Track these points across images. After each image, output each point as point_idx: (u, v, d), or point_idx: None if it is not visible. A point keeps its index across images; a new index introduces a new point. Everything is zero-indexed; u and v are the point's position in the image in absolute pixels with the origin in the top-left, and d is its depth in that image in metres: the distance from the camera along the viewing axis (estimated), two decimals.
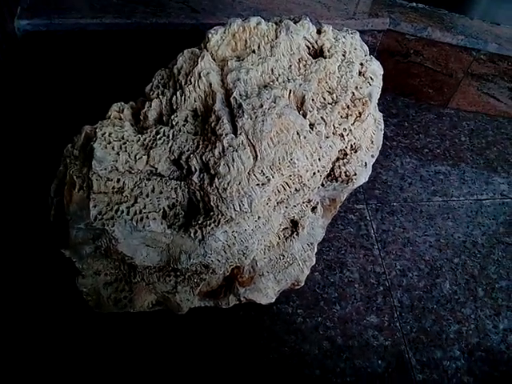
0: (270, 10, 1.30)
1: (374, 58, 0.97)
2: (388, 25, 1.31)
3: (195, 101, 0.78)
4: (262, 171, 0.74)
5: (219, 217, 0.76)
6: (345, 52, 0.90)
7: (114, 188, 0.76)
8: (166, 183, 0.78)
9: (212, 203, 0.75)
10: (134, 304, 0.90)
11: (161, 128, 0.78)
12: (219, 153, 0.73)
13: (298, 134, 0.76)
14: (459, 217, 1.24)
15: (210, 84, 0.76)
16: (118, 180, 0.76)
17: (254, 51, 0.81)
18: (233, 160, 0.72)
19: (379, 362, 0.98)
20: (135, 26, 1.22)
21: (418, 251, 1.16)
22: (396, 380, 0.96)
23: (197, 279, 0.90)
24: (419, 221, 1.22)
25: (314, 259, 0.95)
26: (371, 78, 0.92)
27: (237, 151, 0.72)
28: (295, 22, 0.86)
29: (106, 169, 0.74)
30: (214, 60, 0.81)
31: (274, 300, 0.95)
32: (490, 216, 1.25)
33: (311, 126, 0.79)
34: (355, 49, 0.94)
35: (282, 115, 0.73)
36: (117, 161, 0.75)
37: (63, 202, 0.78)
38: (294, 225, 0.88)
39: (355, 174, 0.90)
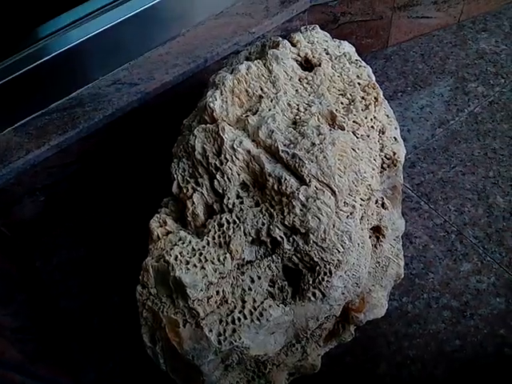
0: (199, 45, 1.25)
1: (339, 40, 0.96)
2: (309, 2, 1.30)
3: (239, 174, 0.73)
4: (345, 202, 0.71)
5: (328, 266, 0.72)
6: (325, 49, 0.88)
7: (216, 302, 0.69)
8: (259, 266, 0.72)
9: (316, 259, 0.71)
10: None
11: (221, 218, 0.72)
12: (301, 210, 0.68)
13: (353, 149, 0.73)
14: (466, 135, 1.28)
15: (248, 151, 0.71)
16: (218, 292, 0.69)
17: (260, 96, 0.76)
18: (318, 209, 0.68)
19: (498, 299, 1.00)
20: (85, 132, 1.12)
21: (457, 185, 1.19)
22: None
23: (319, 332, 0.85)
24: (439, 158, 1.25)
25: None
26: (356, 60, 0.91)
27: (318, 198, 0.67)
28: (274, 47, 0.82)
29: (202, 290, 0.67)
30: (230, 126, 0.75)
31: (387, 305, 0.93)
32: (488, 120, 1.31)
33: (354, 134, 0.76)
34: (326, 41, 0.92)
35: (334, 142, 0.70)
36: (207, 275, 0.68)
37: (169, 345, 0.70)
38: (377, 230, 0.86)
39: (395, 153, 0.89)
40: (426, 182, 1.21)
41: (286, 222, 0.69)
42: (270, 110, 0.74)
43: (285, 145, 0.70)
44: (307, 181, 0.68)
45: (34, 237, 1.22)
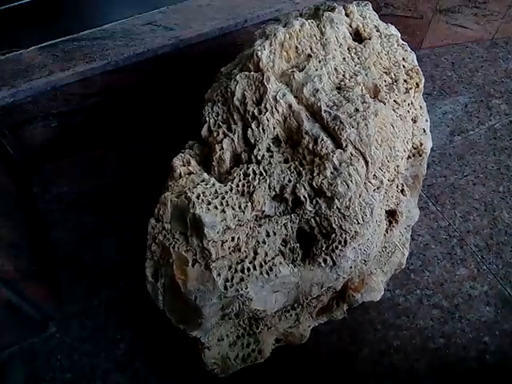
0: (241, 4, 1.22)
1: (388, 23, 0.95)
2: None
3: (274, 127, 0.72)
4: (374, 175, 0.70)
5: (344, 236, 0.72)
6: (376, 27, 0.87)
7: (229, 248, 0.69)
8: (276, 223, 0.72)
9: (334, 225, 0.70)
10: (264, 353, 0.84)
11: (248, 168, 0.71)
12: (331, 173, 0.68)
13: (392, 126, 0.73)
14: (483, 148, 1.29)
15: (290, 105, 0.70)
16: (233, 238, 0.68)
17: (309, 55, 0.75)
18: (349, 175, 0.67)
19: (487, 308, 1.02)
20: (112, 66, 1.09)
21: (467, 193, 1.20)
22: (509, 317, 1.00)
23: (315, 303, 0.86)
24: (453, 164, 1.26)
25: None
26: (403, 44, 0.90)
27: (351, 165, 0.67)
28: (331, 10, 0.81)
29: (218, 232, 0.66)
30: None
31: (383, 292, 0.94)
32: (507, 137, 1.32)
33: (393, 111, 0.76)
34: (376, 19, 0.91)
35: (377, 113, 0.69)
36: (226, 219, 0.67)
37: (174, 283, 0.69)
38: (392, 214, 0.86)
39: (421, 144, 0.89)
40: (437, 184, 1.21)
41: (314, 183, 0.68)
42: (316, 70, 0.73)
43: (328, 106, 0.69)
44: (344, 145, 0.68)
45: (38, 162, 1.19)
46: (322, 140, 0.68)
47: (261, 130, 0.71)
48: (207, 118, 0.76)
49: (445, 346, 0.97)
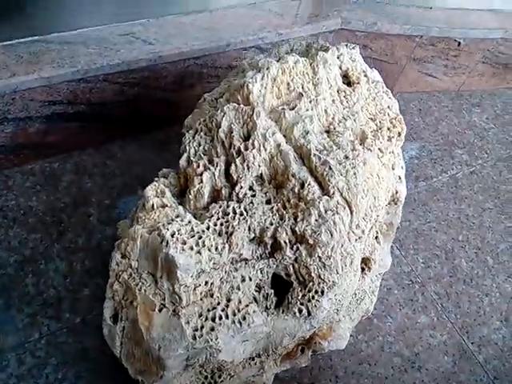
0: (226, 27, 1.19)
1: (372, 68, 0.96)
2: (340, 24, 1.30)
3: (259, 165, 0.68)
4: (357, 225, 0.68)
5: (321, 285, 0.68)
6: (363, 71, 0.87)
7: (201, 293, 0.63)
8: (253, 267, 0.67)
9: (313, 274, 0.67)
10: None
11: (228, 206, 0.67)
12: (316, 220, 0.64)
13: (377, 175, 0.71)
14: (445, 195, 1.33)
15: (279, 144, 0.67)
16: (206, 282, 0.63)
17: (300, 94, 0.72)
18: (334, 224, 0.64)
19: (446, 358, 1.02)
20: (82, 74, 1.01)
21: (429, 239, 1.22)
22: (466, 368, 1.01)
23: (281, 350, 0.81)
24: (417, 209, 1.28)
25: None
26: (387, 91, 0.91)
27: (337, 213, 0.64)
28: (324, 50, 0.79)
29: (192, 276, 0.61)
30: None
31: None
32: (467, 187, 1.37)
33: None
34: (364, 64, 0.91)
35: (366, 162, 0.68)
36: (201, 261, 0.61)
37: (136, 328, 0.63)
38: (365, 262, 0.84)
39: (397, 192, 0.89)
40: (401, 228, 1.22)
41: (297, 229, 0.65)
42: (307, 110, 0.70)
43: (317, 149, 0.67)
44: (331, 192, 0.65)
45: None
46: (309, 185, 0.65)
47: (245, 167, 0.67)
48: (187, 147, 0.71)
49: None
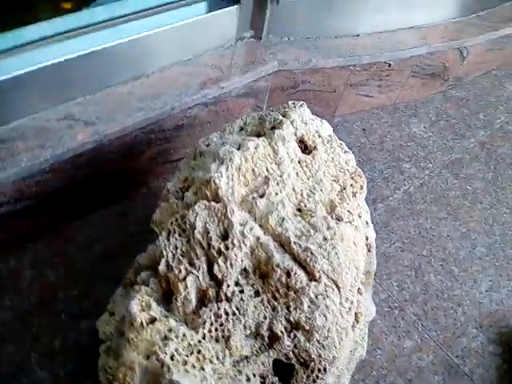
0: (167, 90, 1.17)
1: (320, 119, 0.98)
2: (277, 67, 1.33)
3: (242, 261, 0.68)
4: (346, 298, 0.70)
5: (323, 363, 0.70)
6: (317, 131, 0.89)
7: None
8: (255, 363, 0.67)
9: (313, 355, 0.68)
10: None
11: (218, 308, 0.66)
12: (309, 307, 0.65)
13: (354, 243, 0.73)
14: (402, 213, 1.39)
15: (258, 238, 0.67)
16: None
17: (266, 177, 0.73)
18: (326, 307, 0.66)
19: (436, 377, 1.07)
20: (26, 171, 0.95)
21: (397, 260, 1.27)
22: (457, 383, 1.07)
23: None
24: (381, 233, 1.33)
25: None
26: (340, 144, 0.94)
27: (328, 296, 0.66)
28: (277, 125, 0.80)
29: None
30: None
31: None
32: (421, 200, 1.44)
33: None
34: (313, 120, 0.94)
35: (343, 237, 0.70)
36: (206, 378, 0.60)
37: None
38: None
39: (367, 238, 0.92)
40: None
41: (291, 318, 0.66)
42: (277, 194, 0.71)
43: (296, 236, 0.68)
44: (317, 276, 0.66)
45: None
46: (296, 273, 0.66)
47: (228, 266, 0.67)
48: (164, 252, 0.70)
49: None
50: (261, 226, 0.69)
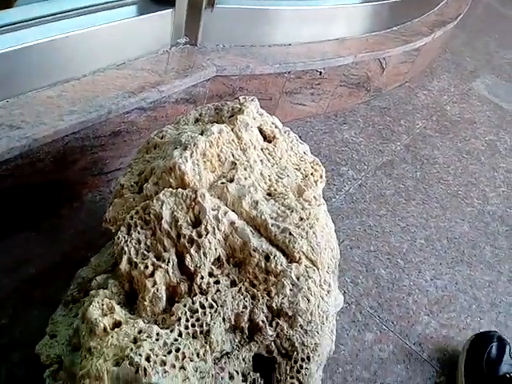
0: (101, 94, 1.09)
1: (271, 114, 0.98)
2: (215, 72, 1.31)
3: (216, 249, 0.62)
4: (325, 280, 0.67)
5: (306, 351, 0.66)
6: (272, 123, 0.88)
7: None
8: (236, 358, 0.61)
9: (296, 344, 0.64)
10: None
11: (193, 302, 0.60)
12: (291, 290, 0.62)
13: (326, 225, 0.72)
14: (347, 212, 1.42)
15: (232, 222, 0.62)
16: None
17: (233, 163, 0.69)
18: (309, 289, 0.63)
19: (399, 366, 1.08)
20: None
21: (348, 257, 1.29)
22: (417, 370, 1.08)
23: None
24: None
25: None
26: (296, 137, 0.94)
27: (309, 277, 0.63)
28: (236, 113, 0.78)
29: None
30: None
31: None
32: (361, 200, 1.49)
33: None
34: (266, 113, 0.93)
35: (318, 217, 0.68)
36: (188, 378, 0.53)
37: None
38: None
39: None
40: None
41: (274, 304, 0.61)
42: (246, 178, 0.67)
43: (272, 217, 0.64)
44: (297, 258, 0.63)
45: None
46: (275, 256, 0.62)
47: (202, 255, 0.61)
48: (125, 248, 0.62)
49: None
50: (233, 211, 0.65)
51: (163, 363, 0.53)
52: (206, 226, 0.61)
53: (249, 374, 0.64)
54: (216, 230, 0.61)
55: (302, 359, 0.66)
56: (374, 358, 1.08)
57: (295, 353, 0.65)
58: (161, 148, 0.74)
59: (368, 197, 1.51)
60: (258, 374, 0.65)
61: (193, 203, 0.62)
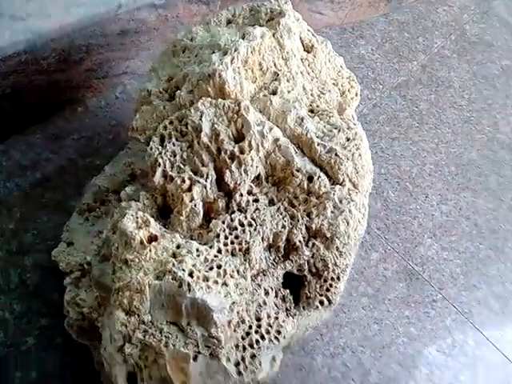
0: None
1: None
2: None
3: (257, 167, 0.59)
4: (363, 204, 0.66)
5: (337, 271, 0.66)
6: (308, 30, 0.80)
7: (234, 324, 0.56)
8: (272, 276, 0.61)
9: (330, 264, 0.64)
10: None
11: (232, 219, 0.58)
12: (332, 212, 0.60)
13: (365, 147, 0.68)
14: None
15: (277, 139, 0.58)
16: (238, 312, 0.55)
17: (275, 73, 0.63)
18: (350, 212, 0.61)
19: (400, 284, 1.13)
20: None
21: None
22: (417, 288, 1.13)
23: None
24: None
25: None
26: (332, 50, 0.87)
27: (352, 200, 0.61)
28: (275, 16, 0.69)
29: (227, 313, 0.53)
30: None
31: None
32: (374, 121, 1.45)
33: None
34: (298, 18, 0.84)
35: (362, 138, 0.64)
36: (230, 293, 0.53)
37: None
38: None
39: None
40: None
41: (313, 226, 0.60)
42: (289, 92, 0.62)
43: (318, 136, 0.60)
44: (341, 180, 0.61)
45: None
46: (319, 177, 0.59)
47: (242, 172, 0.58)
48: (160, 160, 0.58)
49: (379, 331, 1.04)
50: (277, 126, 0.60)
51: (206, 279, 0.52)
52: (250, 142, 0.57)
53: (279, 290, 0.65)
54: (260, 147, 0.57)
55: (332, 278, 0.66)
56: (378, 276, 1.12)
57: (326, 272, 0.66)
58: (192, 52, 0.66)
59: (381, 118, 1.46)
60: (288, 291, 0.66)
61: (235, 116, 0.57)
